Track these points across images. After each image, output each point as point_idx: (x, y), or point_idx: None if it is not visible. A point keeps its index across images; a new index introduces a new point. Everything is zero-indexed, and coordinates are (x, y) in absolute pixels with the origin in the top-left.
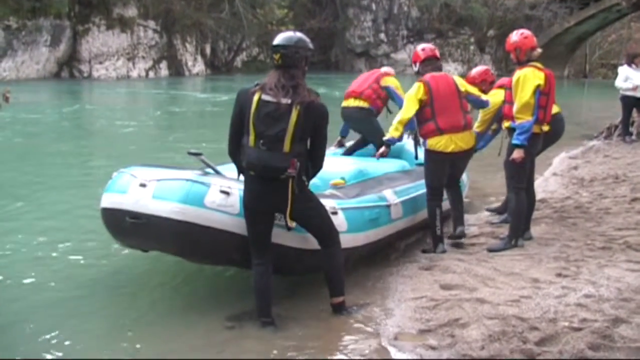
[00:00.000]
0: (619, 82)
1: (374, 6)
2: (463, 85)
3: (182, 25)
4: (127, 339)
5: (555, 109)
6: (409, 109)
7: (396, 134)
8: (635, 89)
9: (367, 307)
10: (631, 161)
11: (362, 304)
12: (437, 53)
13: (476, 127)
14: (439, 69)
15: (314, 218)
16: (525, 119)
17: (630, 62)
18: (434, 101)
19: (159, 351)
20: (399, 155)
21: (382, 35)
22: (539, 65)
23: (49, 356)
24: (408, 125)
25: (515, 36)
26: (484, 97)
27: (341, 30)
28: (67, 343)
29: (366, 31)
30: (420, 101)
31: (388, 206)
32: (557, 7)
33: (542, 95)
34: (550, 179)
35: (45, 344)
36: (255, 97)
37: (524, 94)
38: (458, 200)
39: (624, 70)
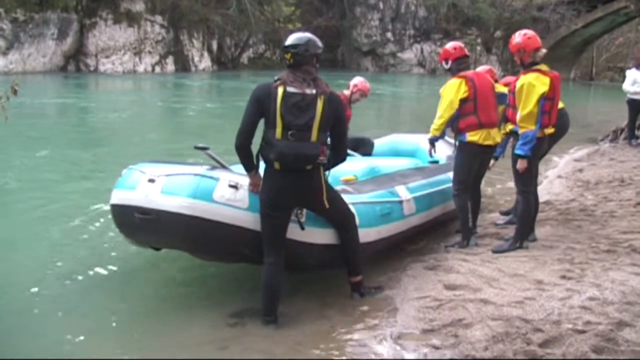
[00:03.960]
0: (627, 86)
1: (381, 5)
2: (496, 87)
3: (189, 21)
4: (130, 334)
5: (559, 105)
6: (450, 108)
7: (438, 134)
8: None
9: (381, 291)
10: (637, 164)
11: (377, 287)
12: (467, 51)
13: None
14: (469, 67)
15: (337, 207)
16: (529, 128)
17: (638, 65)
18: (478, 97)
19: (161, 347)
20: (413, 153)
21: (389, 34)
22: (544, 68)
23: (50, 355)
24: (449, 124)
25: (518, 37)
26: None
27: (348, 29)
28: (68, 338)
29: (373, 30)
30: (462, 98)
31: (400, 202)
32: (565, 9)
33: (547, 101)
34: (555, 182)
35: (48, 341)
36: (280, 90)
37: (528, 104)
38: (476, 205)
39: (632, 74)
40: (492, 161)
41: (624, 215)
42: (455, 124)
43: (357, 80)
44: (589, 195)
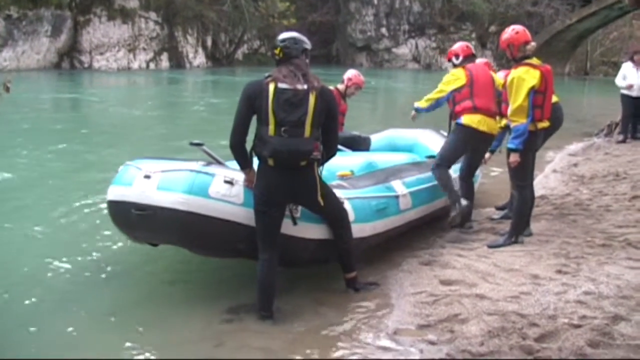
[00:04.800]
0: (618, 79)
1: (375, 0)
2: (497, 81)
3: (184, 17)
4: (126, 332)
5: (553, 99)
6: (441, 91)
7: (424, 105)
8: (629, 87)
9: (375, 287)
10: (631, 159)
11: (372, 282)
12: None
13: None
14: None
15: (329, 203)
16: (520, 121)
17: (632, 58)
18: (474, 83)
19: (157, 344)
20: (410, 148)
21: (384, 30)
22: (534, 62)
23: (46, 354)
24: (435, 104)
25: (506, 33)
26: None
27: (342, 24)
28: (63, 337)
29: (367, 25)
30: (458, 87)
31: (396, 197)
32: (559, 4)
33: (538, 94)
34: (550, 176)
35: (40, 339)
36: (271, 87)
37: (518, 97)
38: (470, 195)
39: (624, 67)
40: (487, 154)
41: (619, 210)
42: (452, 111)
43: (352, 74)
44: (584, 189)
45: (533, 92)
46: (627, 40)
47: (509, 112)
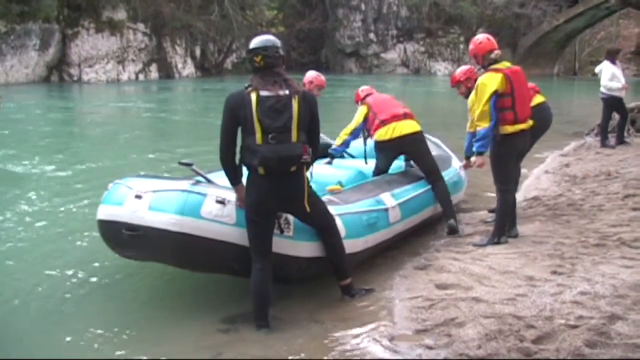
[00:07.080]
0: (605, 81)
1: (363, 6)
2: None
3: (172, 28)
4: (121, 342)
5: (539, 99)
6: (353, 126)
7: (338, 143)
8: (625, 89)
9: (371, 293)
10: (623, 158)
11: (368, 288)
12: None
13: (468, 128)
14: None
15: (317, 211)
16: (482, 126)
17: (614, 59)
18: (372, 107)
19: (153, 355)
20: None
21: (372, 35)
22: (500, 66)
23: (43, 358)
24: (351, 137)
25: (471, 44)
26: None
27: (331, 31)
28: (60, 346)
29: (356, 31)
30: (365, 116)
31: (386, 210)
32: (546, 5)
33: (503, 97)
34: (542, 177)
35: (38, 346)
36: (253, 96)
37: (480, 103)
38: (443, 195)
39: (608, 67)
40: (473, 158)
41: (612, 209)
42: (370, 134)
43: (311, 76)
44: (576, 189)
45: (496, 95)
46: (614, 40)
47: (475, 117)
